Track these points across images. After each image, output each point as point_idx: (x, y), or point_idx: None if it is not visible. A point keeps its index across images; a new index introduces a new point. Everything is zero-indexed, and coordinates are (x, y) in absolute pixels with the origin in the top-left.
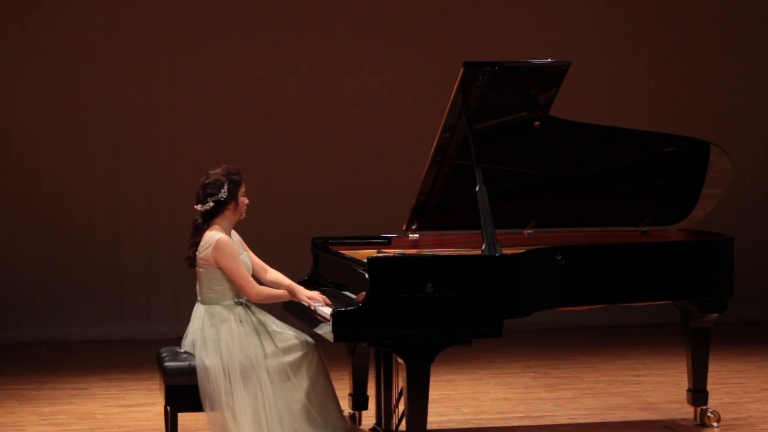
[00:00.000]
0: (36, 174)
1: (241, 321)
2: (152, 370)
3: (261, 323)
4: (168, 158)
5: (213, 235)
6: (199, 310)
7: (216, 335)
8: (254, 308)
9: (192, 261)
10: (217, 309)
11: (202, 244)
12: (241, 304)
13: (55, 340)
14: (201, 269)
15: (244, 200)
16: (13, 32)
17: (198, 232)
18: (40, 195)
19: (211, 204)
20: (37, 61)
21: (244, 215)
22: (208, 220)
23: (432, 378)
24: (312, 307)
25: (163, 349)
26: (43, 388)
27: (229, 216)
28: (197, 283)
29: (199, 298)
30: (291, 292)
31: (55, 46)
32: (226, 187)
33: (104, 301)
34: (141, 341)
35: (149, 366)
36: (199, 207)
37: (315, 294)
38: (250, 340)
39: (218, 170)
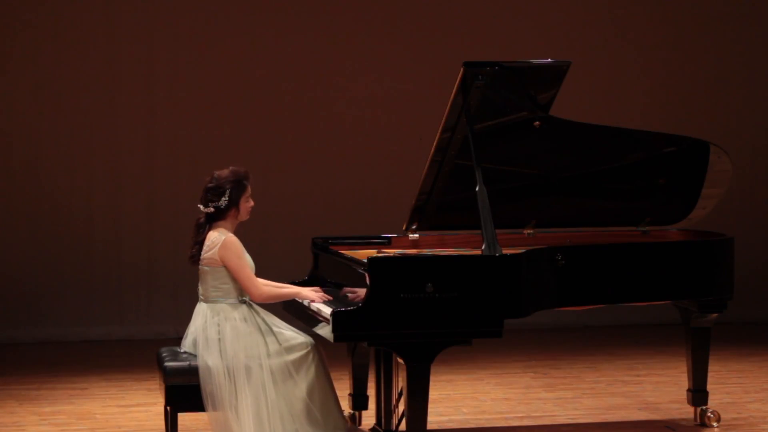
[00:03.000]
0: (36, 174)
1: (245, 320)
2: (152, 370)
3: (264, 322)
4: (168, 158)
5: (219, 236)
6: (201, 309)
7: (218, 334)
8: (257, 307)
9: (195, 259)
10: (222, 307)
11: (207, 243)
12: (244, 302)
13: (55, 340)
14: (206, 267)
15: (247, 205)
16: (13, 32)
17: (200, 231)
18: (41, 195)
19: (212, 209)
20: (38, 61)
21: (246, 218)
22: (210, 221)
23: (432, 378)
24: (312, 307)
25: (163, 349)
26: (43, 388)
27: (231, 219)
28: (200, 282)
29: (201, 297)
30: (296, 295)
31: (56, 45)
32: (227, 195)
33: (104, 301)
34: (141, 341)
35: (149, 366)
36: (201, 208)
37: (318, 293)
38: (254, 338)
39: (223, 173)
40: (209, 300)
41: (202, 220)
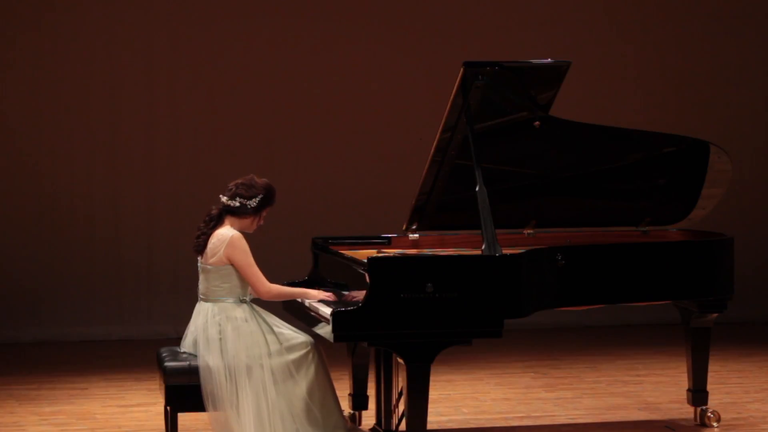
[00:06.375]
0: (36, 174)
1: (246, 320)
2: (152, 370)
3: (265, 322)
4: (168, 158)
5: (226, 232)
6: (202, 308)
7: (220, 333)
8: (258, 307)
9: (201, 248)
10: (223, 306)
11: (213, 240)
12: (245, 302)
13: (55, 340)
14: (209, 266)
15: (261, 221)
16: (14, 32)
17: (211, 222)
18: (41, 195)
19: (237, 204)
20: (38, 62)
21: (251, 231)
22: (224, 214)
23: (432, 378)
24: (312, 307)
25: (163, 349)
26: (43, 388)
27: (244, 222)
28: (201, 280)
29: (202, 295)
30: (304, 295)
31: (56, 46)
32: (258, 198)
33: (104, 300)
34: (141, 341)
35: (149, 366)
36: (224, 199)
37: (330, 295)
38: (255, 338)
39: (261, 180)
40: (210, 298)
41: (214, 212)
